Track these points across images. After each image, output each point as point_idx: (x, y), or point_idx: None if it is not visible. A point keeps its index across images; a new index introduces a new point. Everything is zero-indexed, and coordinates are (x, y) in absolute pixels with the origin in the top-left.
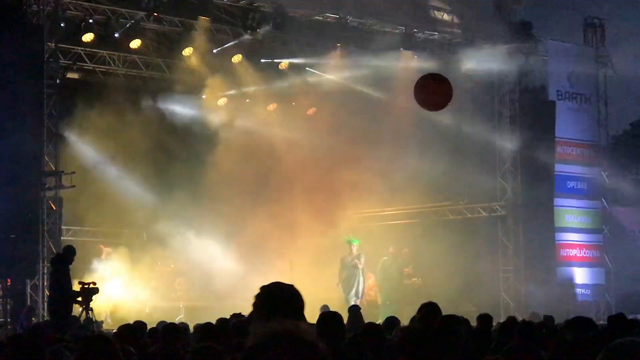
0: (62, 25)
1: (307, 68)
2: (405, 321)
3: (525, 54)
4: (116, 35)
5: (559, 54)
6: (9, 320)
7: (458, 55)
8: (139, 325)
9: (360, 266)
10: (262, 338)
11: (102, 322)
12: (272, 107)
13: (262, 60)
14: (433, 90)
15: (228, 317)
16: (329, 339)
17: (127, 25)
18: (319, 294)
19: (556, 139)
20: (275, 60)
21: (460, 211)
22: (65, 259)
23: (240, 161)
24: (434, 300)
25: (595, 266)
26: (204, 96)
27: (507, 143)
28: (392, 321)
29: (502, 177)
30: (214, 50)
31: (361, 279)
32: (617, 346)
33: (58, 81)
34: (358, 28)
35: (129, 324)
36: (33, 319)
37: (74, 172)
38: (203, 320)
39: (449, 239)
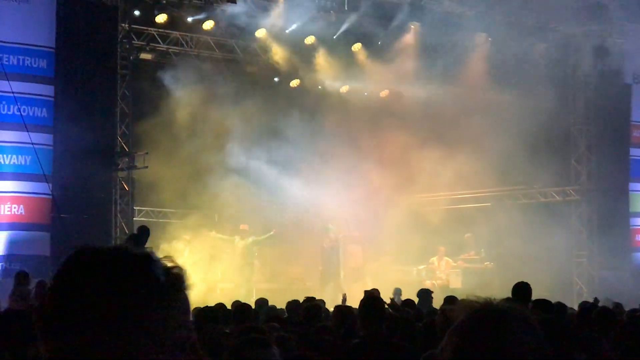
0: (136, 10)
1: (380, 47)
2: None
3: (601, 36)
4: (189, 19)
5: (636, 36)
6: None
7: (534, 38)
8: (217, 307)
9: (338, 247)
10: (480, 312)
11: None
12: (344, 89)
13: (335, 42)
14: None
15: (300, 300)
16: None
17: (200, 6)
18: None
19: (632, 123)
20: (347, 42)
21: (534, 195)
22: (139, 239)
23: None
24: (506, 284)
25: None
26: (276, 78)
27: (582, 127)
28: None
29: (576, 161)
30: (287, 32)
31: (340, 261)
32: None
33: (131, 62)
34: (433, 9)
35: (208, 307)
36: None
37: (147, 153)
38: (272, 302)
39: (522, 223)
